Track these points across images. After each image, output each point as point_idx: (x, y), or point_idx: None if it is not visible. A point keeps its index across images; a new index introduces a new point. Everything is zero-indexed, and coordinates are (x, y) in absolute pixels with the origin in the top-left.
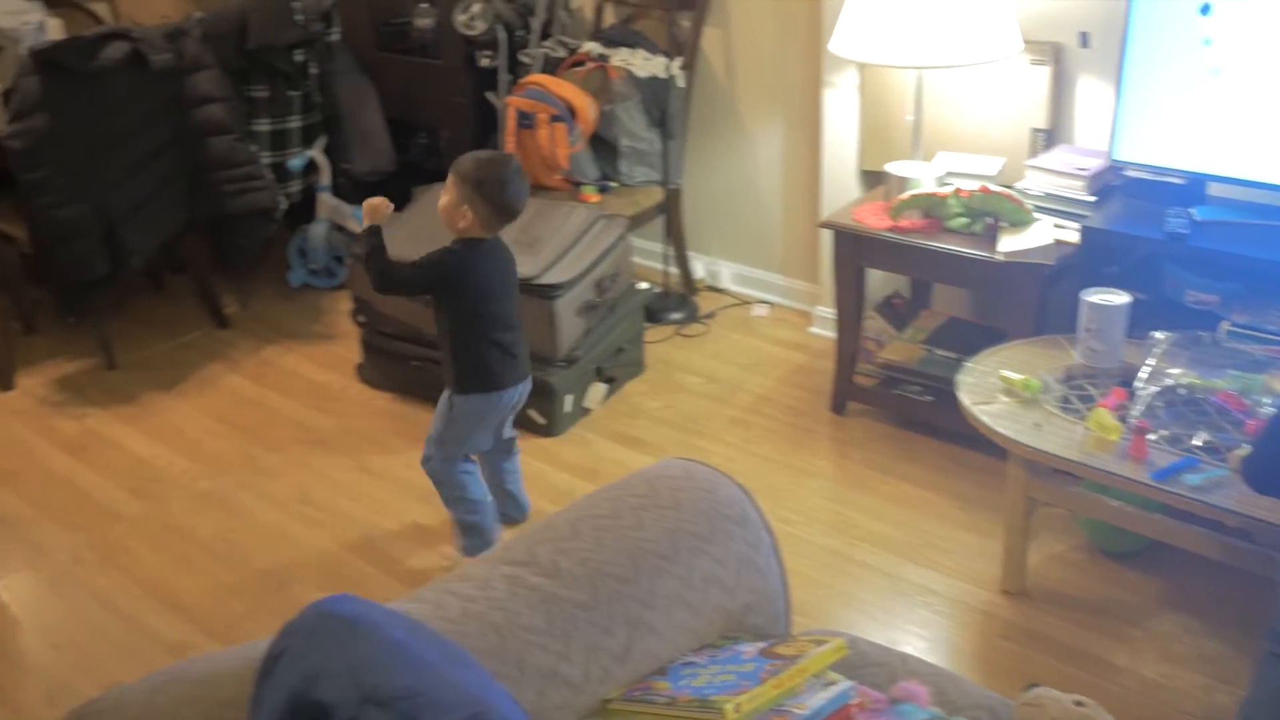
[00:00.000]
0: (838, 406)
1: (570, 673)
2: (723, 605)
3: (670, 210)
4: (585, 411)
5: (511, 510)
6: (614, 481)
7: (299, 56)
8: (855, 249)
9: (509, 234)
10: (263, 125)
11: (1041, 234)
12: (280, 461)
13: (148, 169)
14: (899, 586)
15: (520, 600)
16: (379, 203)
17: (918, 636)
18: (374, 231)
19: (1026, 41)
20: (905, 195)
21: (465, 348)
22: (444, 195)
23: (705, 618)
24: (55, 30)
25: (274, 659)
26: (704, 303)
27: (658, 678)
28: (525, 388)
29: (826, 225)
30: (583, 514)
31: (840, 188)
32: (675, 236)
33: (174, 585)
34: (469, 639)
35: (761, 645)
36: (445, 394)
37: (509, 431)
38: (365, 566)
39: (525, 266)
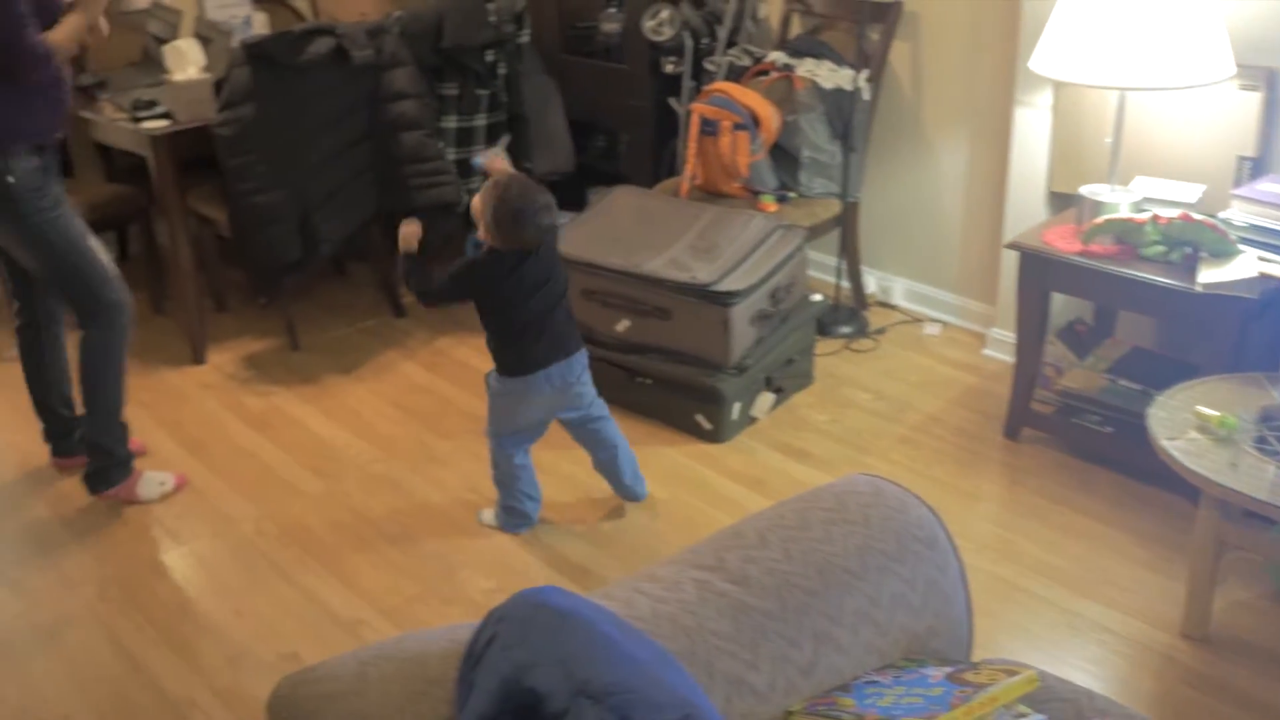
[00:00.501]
0: (1011, 432)
1: (757, 681)
2: (908, 626)
3: (847, 223)
4: (752, 420)
5: (628, 495)
6: (801, 493)
7: (490, 57)
8: (1042, 272)
9: (685, 239)
10: (450, 122)
11: (1245, 266)
12: (451, 450)
13: (342, 160)
14: (1072, 621)
15: (710, 605)
16: (411, 232)
17: (1091, 675)
18: (409, 255)
19: (1238, 65)
20: (1099, 220)
21: (496, 338)
22: (479, 195)
23: (890, 637)
24: (260, 24)
25: (485, 644)
26: (874, 318)
27: (842, 694)
28: (568, 366)
29: (1014, 246)
30: (771, 524)
31: (1026, 209)
32: (850, 250)
33: (348, 563)
34: (660, 639)
35: (948, 670)
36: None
37: (594, 415)
38: (529, 558)
39: (701, 272)
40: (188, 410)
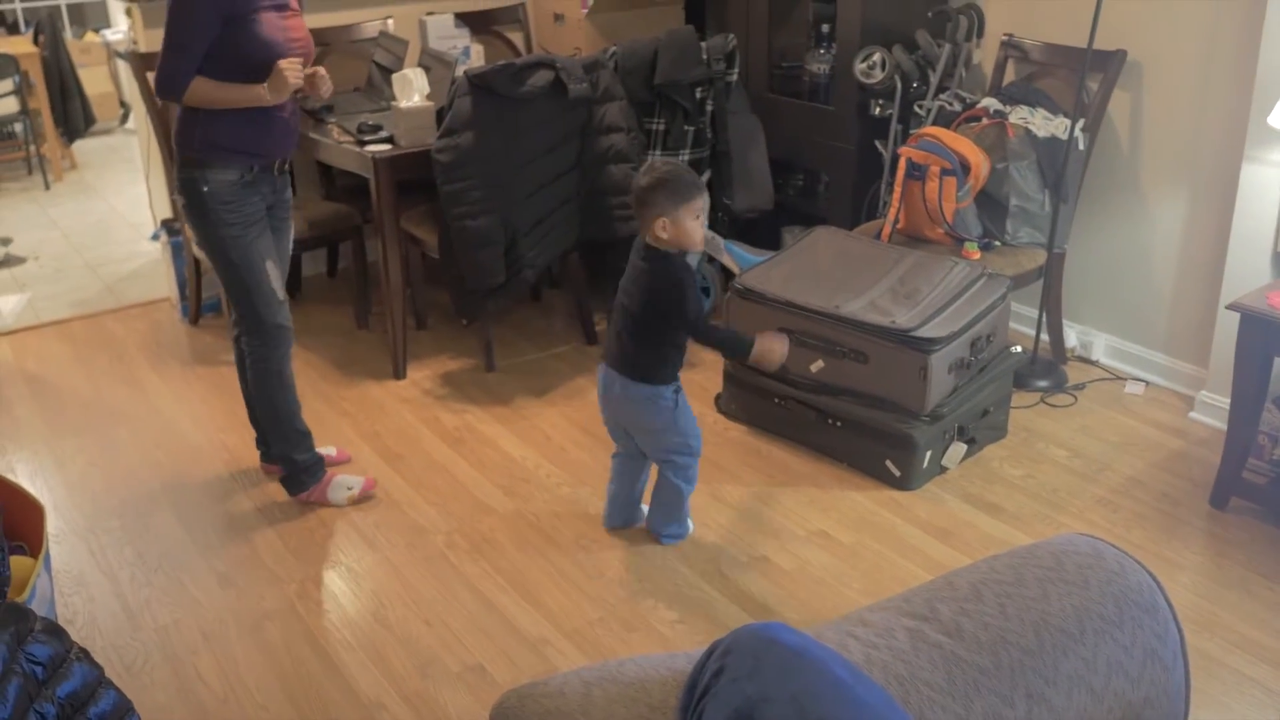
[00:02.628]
0: (1219, 500)
1: None
2: (1124, 694)
3: (1051, 274)
4: (942, 470)
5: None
6: (1014, 549)
7: (699, 93)
8: (1265, 336)
9: (885, 283)
10: (655, 156)
11: None
12: None
13: (551, 189)
14: (1279, 703)
15: (923, 656)
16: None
17: None
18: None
19: None
20: None
21: (678, 344)
22: (659, 231)
23: (1105, 704)
24: (478, 55)
25: (713, 675)
26: (1073, 373)
27: None
28: (616, 381)
29: (1235, 308)
30: (985, 577)
31: (1248, 269)
32: (1052, 302)
33: (534, 582)
34: None
35: None
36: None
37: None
38: (713, 592)
39: (901, 317)
40: (387, 422)
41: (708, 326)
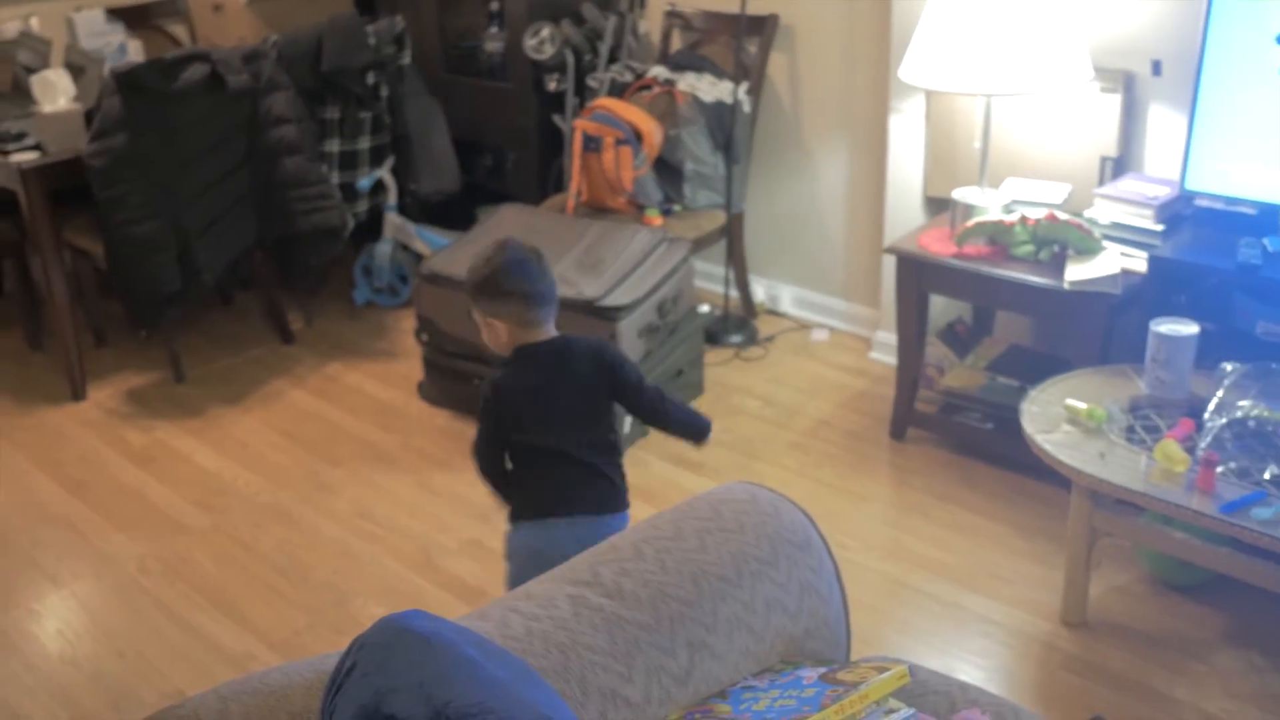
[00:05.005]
0: (897, 432)
1: (632, 694)
2: (784, 630)
3: (732, 234)
4: (644, 433)
5: None
6: (678, 504)
7: (371, 79)
8: (919, 275)
9: (571, 255)
10: (333, 146)
11: (1109, 263)
12: (342, 477)
13: (221, 187)
14: (957, 615)
15: (584, 620)
16: None
17: (976, 666)
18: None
19: (1097, 69)
20: (971, 222)
21: (512, 473)
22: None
23: (766, 642)
24: (136, 52)
25: (345, 672)
26: (763, 326)
27: (718, 700)
28: (587, 530)
29: (891, 251)
30: (646, 535)
31: (905, 214)
32: (736, 260)
33: (236, 597)
34: (533, 658)
35: (822, 671)
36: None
37: None
38: (424, 583)
39: (588, 288)
40: (68, 449)
41: None
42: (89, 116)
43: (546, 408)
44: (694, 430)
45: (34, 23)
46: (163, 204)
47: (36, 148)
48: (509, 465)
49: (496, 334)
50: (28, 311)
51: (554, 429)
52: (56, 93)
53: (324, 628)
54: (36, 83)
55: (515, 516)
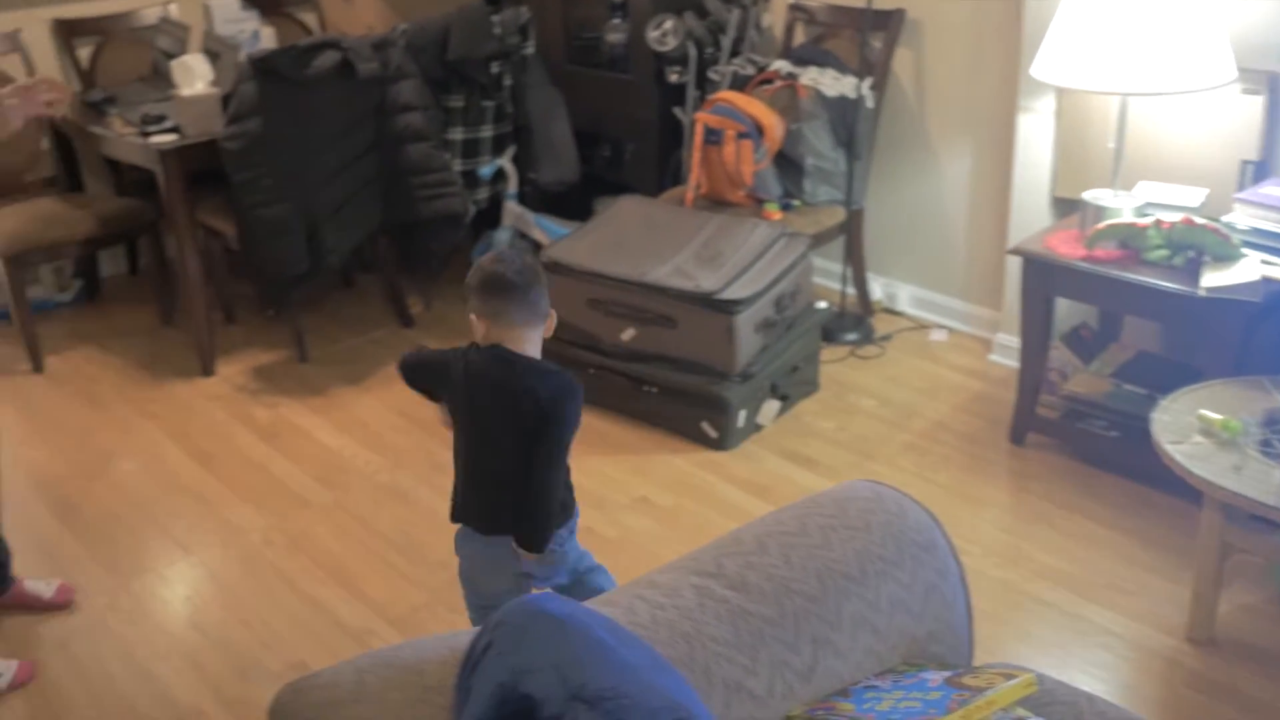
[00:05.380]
0: (1017, 437)
1: (755, 686)
2: (908, 631)
3: (851, 230)
4: (757, 427)
5: None
6: (801, 499)
7: (495, 68)
8: (1046, 277)
9: (690, 248)
10: (456, 134)
11: (1248, 270)
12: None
13: (348, 172)
14: (1077, 625)
15: (709, 611)
16: None
17: (1096, 678)
18: None
19: (1240, 69)
20: (1102, 225)
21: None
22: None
23: (890, 642)
24: (268, 38)
25: (482, 650)
26: (880, 325)
27: (841, 699)
28: (473, 543)
29: (1016, 252)
30: (770, 530)
31: (1031, 214)
32: (855, 257)
33: (356, 573)
34: (659, 645)
35: (946, 674)
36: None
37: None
38: None
39: (706, 280)
40: (196, 422)
41: None
42: (225, 101)
43: (484, 407)
44: (529, 537)
45: (173, 9)
46: (293, 187)
47: (175, 130)
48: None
49: (476, 330)
50: (161, 288)
51: (482, 431)
52: (194, 77)
53: (440, 606)
54: (176, 67)
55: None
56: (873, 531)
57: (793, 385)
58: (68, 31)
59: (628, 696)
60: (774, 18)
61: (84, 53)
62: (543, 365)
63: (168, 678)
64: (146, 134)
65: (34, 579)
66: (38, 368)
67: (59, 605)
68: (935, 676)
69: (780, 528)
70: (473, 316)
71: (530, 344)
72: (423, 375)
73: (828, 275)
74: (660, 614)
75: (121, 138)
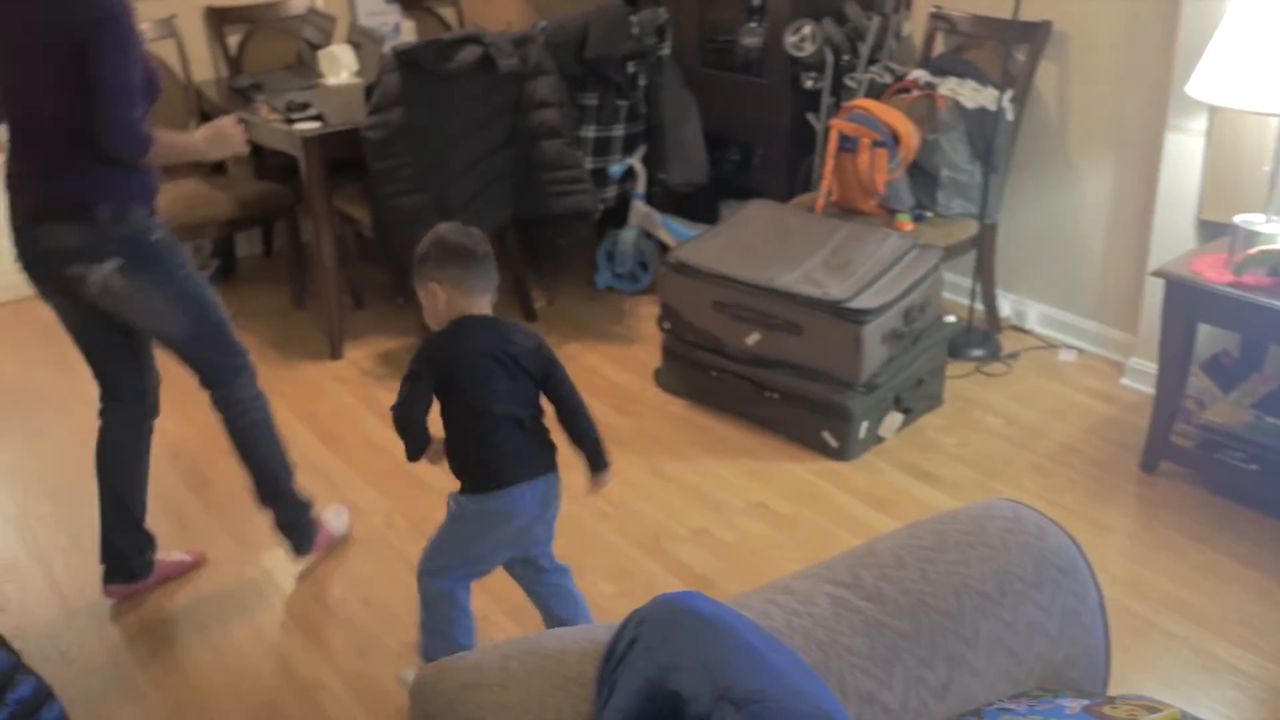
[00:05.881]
0: (1148, 464)
1: (889, 700)
2: (1044, 655)
3: (984, 245)
4: (879, 439)
5: None
6: (937, 514)
7: (631, 68)
8: (1189, 302)
9: (819, 255)
10: (589, 131)
11: None
12: (571, 458)
13: (482, 165)
14: (1206, 662)
15: (844, 621)
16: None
17: (1224, 718)
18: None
19: None
20: (1253, 250)
21: (455, 445)
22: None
23: (1026, 665)
24: (408, 31)
25: (627, 645)
26: (1007, 342)
27: (974, 719)
28: (535, 491)
29: (1160, 274)
30: (906, 543)
31: (1174, 236)
32: (985, 272)
33: None
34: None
35: (1085, 703)
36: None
37: (544, 558)
38: (654, 566)
39: (835, 289)
40: (324, 403)
41: None
42: (368, 91)
43: (489, 374)
44: (598, 453)
45: (319, 1)
46: (430, 178)
47: (318, 118)
48: (444, 436)
49: (435, 300)
50: (294, 272)
51: (498, 395)
52: (340, 67)
53: None
54: (323, 57)
55: (474, 488)
56: (1011, 552)
57: (916, 399)
58: (219, 19)
59: (775, 700)
60: (914, 26)
61: (233, 40)
62: (516, 325)
63: (290, 650)
64: (291, 120)
65: (165, 551)
66: None
67: (195, 564)
68: (1073, 704)
69: (917, 542)
70: (432, 285)
71: (488, 308)
72: (422, 405)
73: (955, 290)
74: (795, 620)
75: (267, 123)
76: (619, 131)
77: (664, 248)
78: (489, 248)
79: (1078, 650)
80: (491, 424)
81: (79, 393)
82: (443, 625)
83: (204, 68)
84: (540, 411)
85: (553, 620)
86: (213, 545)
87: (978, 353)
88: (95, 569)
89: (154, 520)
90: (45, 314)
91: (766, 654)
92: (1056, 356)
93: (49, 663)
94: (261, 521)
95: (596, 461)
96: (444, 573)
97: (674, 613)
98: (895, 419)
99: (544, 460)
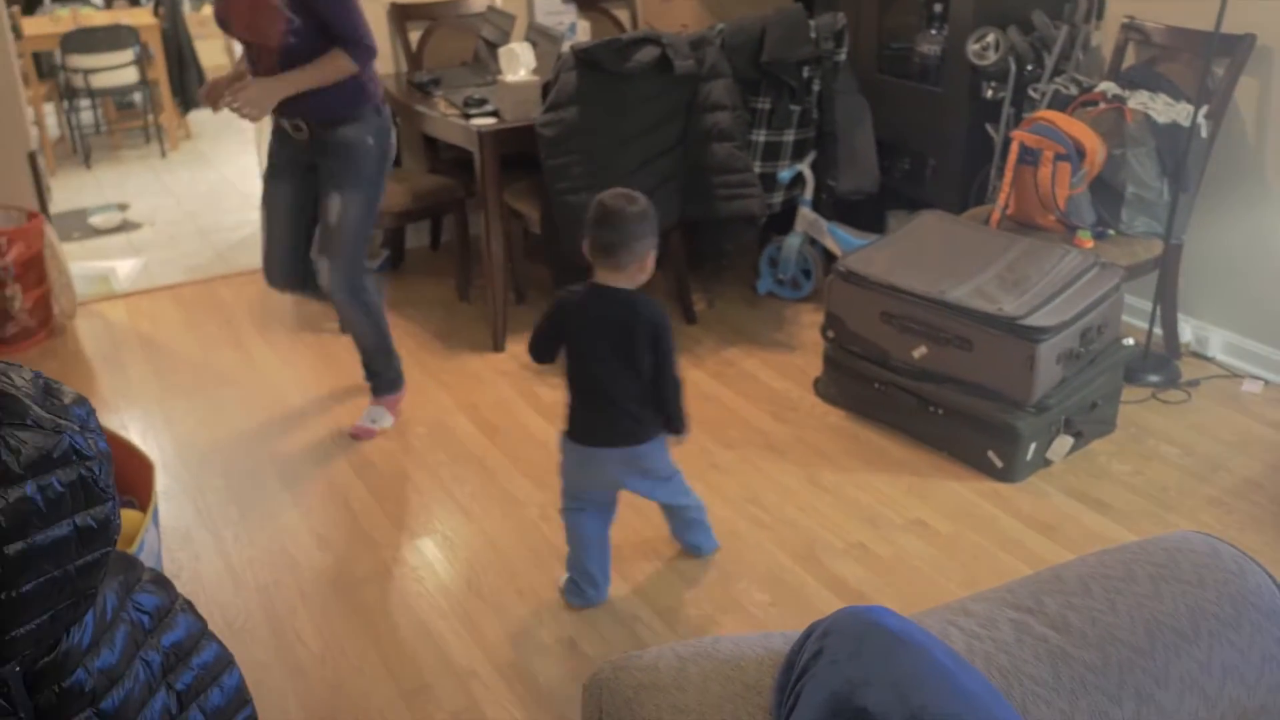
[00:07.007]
0: None
1: None
2: (1239, 701)
3: (1167, 266)
4: (1046, 462)
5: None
6: (1126, 543)
7: (806, 72)
8: None
9: (993, 269)
10: (760, 135)
11: None
12: (733, 460)
13: (653, 165)
14: None
15: (1026, 648)
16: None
17: None
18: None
19: None
20: None
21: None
22: (648, 264)
23: (1218, 710)
24: (583, 31)
25: (812, 656)
26: (1187, 369)
27: None
28: (617, 456)
29: None
30: (1094, 572)
31: None
32: (1167, 294)
33: (625, 558)
34: None
35: None
36: None
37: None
38: (807, 577)
39: (1009, 305)
40: (484, 394)
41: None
42: (544, 88)
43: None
44: (679, 418)
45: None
46: (601, 177)
47: (494, 114)
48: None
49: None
50: (461, 264)
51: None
52: (518, 64)
53: (706, 602)
54: (504, 54)
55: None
56: (1207, 588)
57: (1088, 422)
58: (402, 15)
59: None
60: (1104, 37)
61: (414, 35)
62: (641, 295)
63: (446, 636)
64: (468, 115)
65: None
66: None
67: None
68: None
69: (1105, 570)
70: (584, 248)
71: (626, 279)
72: (549, 346)
73: (1132, 312)
74: (976, 644)
75: (445, 117)
76: (790, 136)
77: (828, 255)
78: (641, 219)
79: (1275, 698)
80: (588, 384)
81: (255, 372)
82: (571, 547)
83: (385, 62)
84: (652, 379)
85: (677, 538)
86: (375, 526)
87: (1154, 378)
88: (263, 544)
89: (318, 495)
90: (226, 294)
91: (960, 676)
92: (1239, 386)
93: (218, 632)
94: (421, 506)
95: (676, 427)
96: (562, 503)
97: (862, 625)
98: (1065, 442)
99: (614, 436)
